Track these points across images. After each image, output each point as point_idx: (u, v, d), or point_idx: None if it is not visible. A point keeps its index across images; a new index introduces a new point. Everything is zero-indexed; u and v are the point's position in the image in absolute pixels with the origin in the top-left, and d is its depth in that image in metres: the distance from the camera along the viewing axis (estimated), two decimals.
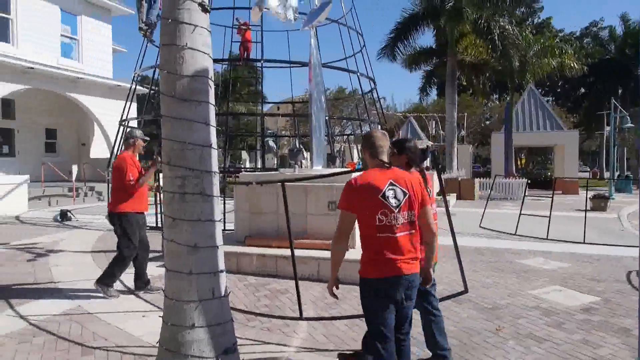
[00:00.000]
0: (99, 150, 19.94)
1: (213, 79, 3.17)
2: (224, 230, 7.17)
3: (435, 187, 7.78)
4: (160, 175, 6.59)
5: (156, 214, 8.87)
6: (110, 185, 6.32)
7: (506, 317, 4.52)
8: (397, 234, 2.60)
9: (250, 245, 6.43)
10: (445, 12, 20.41)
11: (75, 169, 16.09)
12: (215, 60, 9.06)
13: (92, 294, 5.11)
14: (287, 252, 5.89)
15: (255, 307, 4.81)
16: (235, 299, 5.02)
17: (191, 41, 2.97)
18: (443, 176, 20.01)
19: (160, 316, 3.14)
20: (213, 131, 3.09)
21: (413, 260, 2.66)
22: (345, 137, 26.50)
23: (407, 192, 2.66)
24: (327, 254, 2.82)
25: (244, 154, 38.76)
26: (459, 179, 19.49)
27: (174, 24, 2.96)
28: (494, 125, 39.24)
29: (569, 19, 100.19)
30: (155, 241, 6.33)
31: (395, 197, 2.63)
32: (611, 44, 36.80)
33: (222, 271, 3.08)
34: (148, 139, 5.69)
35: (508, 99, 25.65)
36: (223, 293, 3.06)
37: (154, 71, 11.69)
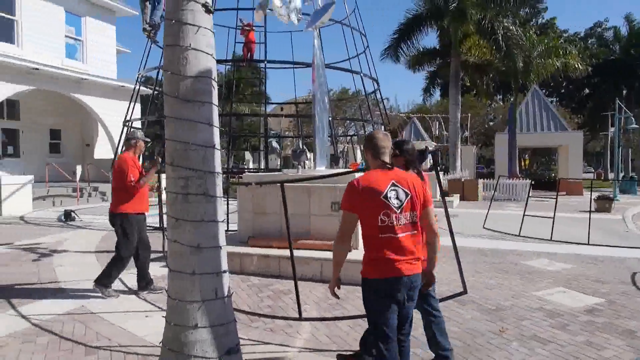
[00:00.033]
0: (102, 150, 20.00)
1: (216, 79, 3.17)
2: (227, 230, 7.18)
3: (435, 188, 7.76)
4: (162, 175, 6.62)
5: (160, 214, 8.88)
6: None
7: (510, 318, 4.51)
8: (399, 235, 2.60)
9: (254, 246, 6.43)
10: (449, 13, 20.39)
11: (79, 169, 16.15)
12: (218, 61, 9.08)
13: (95, 294, 5.12)
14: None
15: (258, 308, 4.81)
16: (238, 299, 5.02)
17: (195, 42, 2.98)
18: (447, 177, 20.02)
19: (163, 316, 3.15)
20: (216, 132, 3.09)
21: (415, 261, 2.66)
22: (348, 137, 26.49)
23: (409, 192, 2.67)
24: (330, 254, 2.82)
25: (247, 155, 38.81)
26: (463, 180, 19.44)
27: (178, 25, 2.97)
28: (498, 126, 39.15)
29: (573, 19, 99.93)
30: (157, 242, 6.34)
31: (397, 198, 2.63)
32: (616, 44, 36.69)
33: (225, 272, 3.08)
34: (149, 140, 5.71)
35: (512, 99, 25.57)
36: (226, 293, 3.06)
37: (158, 72, 11.72)
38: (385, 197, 2.61)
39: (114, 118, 18.24)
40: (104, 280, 5.09)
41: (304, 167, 7.90)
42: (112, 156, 14.11)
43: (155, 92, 12.22)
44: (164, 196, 4.35)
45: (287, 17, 7.47)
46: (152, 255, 5.54)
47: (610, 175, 31.38)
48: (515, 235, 9.40)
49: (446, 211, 4.42)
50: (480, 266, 6.78)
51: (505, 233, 9.74)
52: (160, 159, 5.50)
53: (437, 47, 25.85)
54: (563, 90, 43.30)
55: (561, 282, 5.84)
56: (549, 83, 38.03)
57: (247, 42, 13.14)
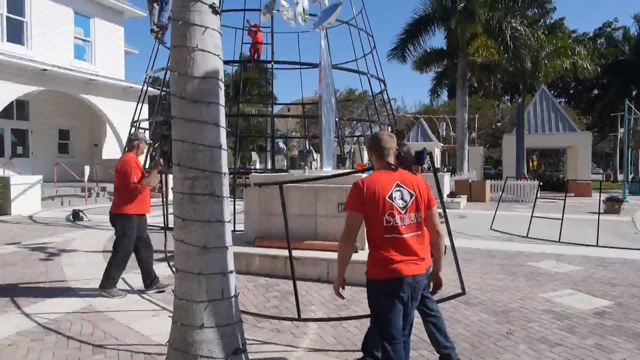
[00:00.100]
0: (111, 151, 20.13)
1: (223, 80, 3.18)
2: (233, 231, 7.19)
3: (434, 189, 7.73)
4: (164, 176, 6.66)
5: (165, 215, 8.92)
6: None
7: (517, 320, 4.48)
8: (405, 235, 2.61)
9: (261, 246, 6.44)
10: (457, 13, 20.30)
11: (87, 169, 16.27)
12: (225, 62, 9.11)
13: (103, 293, 5.15)
14: (298, 253, 5.92)
15: (264, 308, 4.81)
16: (245, 299, 5.03)
17: (202, 43, 2.99)
18: (454, 178, 19.93)
19: (170, 316, 3.16)
20: (223, 132, 3.10)
21: (420, 262, 2.66)
22: (355, 138, 26.47)
23: (413, 193, 2.68)
24: (336, 255, 2.83)
25: (254, 155, 38.92)
26: (470, 181, 19.35)
27: (185, 25, 2.98)
28: (506, 126, 38.93)
29: (582, 19, 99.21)
30: (159, 242, 6.36)
31: (402, 199, 2.64)
32: (625, 44, 36.35)
33: (231, 272, 3.09)
34: (151, 141, 5.77)
35: (520, 100, 25.43)
36: (232, 294, 3.06)
37: (165, 73, 11.78)
38: (390, 197, 2.61)
39: (122, 119, 18.37)
40: (106, 284, 5.13)
41: (311, 168, 7.89)
42: (120, 157, 14.20)
43: (163, 93, 12.28)
44: (170, 196, 4.37)
45: (294, 19, 7.48)
46: (156, 256, 5.56)
47: (620, 177, 31.08)
48: (523, 236, 9.34)
49: (444, 211, 4.41)
50: (488, 268, 6.75)
51: (513, 234, 9.68)
52: (162, 160, 5.54)
53: (444, 48, 25.76)
54: (572, 91, 43.03)
55: (569, 284, 5.79)
56: (557, 84, 37.79)
57: (254, 43, 13.17)
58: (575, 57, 22.27)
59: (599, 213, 9.47)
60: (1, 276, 6.03)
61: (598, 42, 38.94)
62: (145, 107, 16.29)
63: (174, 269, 4.76)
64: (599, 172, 48.27)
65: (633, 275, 6.29)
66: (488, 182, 19.55)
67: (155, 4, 9.59)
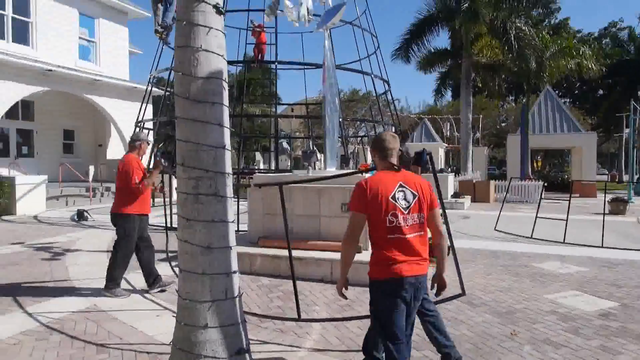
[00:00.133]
0: (115, 151, 20.20)
1: (227, 80, 3.18)
2: (237, 231, 7.21)
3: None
4: (165, 176, 6.67)
5: (171, 214, 8.94)
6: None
7: (522, 321, 4.46)
8: (408, 236, 2.61)
9: (264, 247, 6.44)
10: (461, 13, 20.26)
11: (92, 169, 16.33)
12: (229, 62, 9.11)
13: (107, 293, 5.17)
14: (301, 253, 5.93)
15: (268, 309, 4.81)
16: (248, 299, 5.03)
17: (206, 43, 2.99)
18: (458, 178, 19.89)
19: (173, 316, 3.16)
20: (227, 132, 3.10)
21: (422, 262, 2.67)
22: (359, 138, 26.46)
23: (416, 194, 2.68)
24: (340, 255, 2.83)
25: (258, 156, 38.96)
26: (474, 181, 19.30)
27: (189, 26, 2.98)
28: (510, 127, 38.84)
29: (587, 19, 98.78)
30: (161, 242, 6.37)
31: (405, 199, 2.65)
32: (630, 44, 36.15)
33: (235, 272, 3.09)
34: (153, 141, 5.80)
35: (524, 100, 25.34)
36: (236, 294, 3.07)
37: (170, 73, 11.80)
38: (394, 198, 2.62)
39: (126, 119, 18.42)
40: (110, 284, 5.15)
41: (314, 168, 7.90)
42: (122, 157, 14.26)
43: (167, 93, 12.31)
44: (174, 196, 4.38)
45: (298, 19, 7.49)
46: (158, 256, 5.58)
47: (625, 177, 30.91)
48: (528, 237, 9.31)
49: (444, 212, 4.40)
50: (492, 268, 6.72)
51: (517, 235, 9.64)
52: (162, 160, 5.56)
53: (448, 48, 25.74)
54: (577, 91, 42.81)
55: (574, 285, 5.76)
56: (562, 84, 37.62)
57: (258, 43, 13.18)
58: (580, 57, 22.19)
59: (604, 214, 9.43)
60: (6, 275, 6.06)
61: (603, 42, 38.71)
62: (150, 107, 16.36)
63: (175, 269, 4.78)
64: (604, 173, 48.10)
65: (638, 277, 6.25)
66: (492, 183, 19.48)
67: (159, 5, 9.63)
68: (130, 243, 5.23)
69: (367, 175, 4.19)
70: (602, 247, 8.29)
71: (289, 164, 28.75)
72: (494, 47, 22.77)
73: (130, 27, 21.54)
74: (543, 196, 11.03)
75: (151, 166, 5.96)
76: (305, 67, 15.50)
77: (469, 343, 3.90)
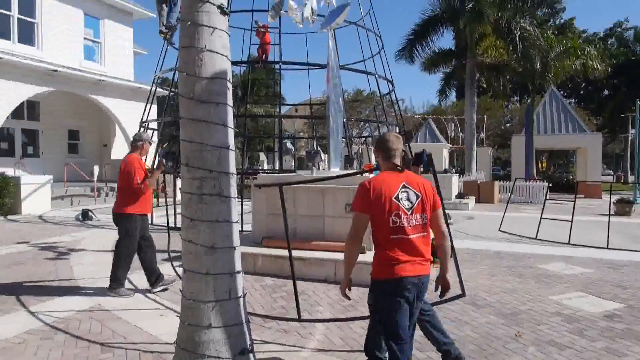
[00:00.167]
0: (120, 151, 20.26)
1: (231, 81, 3.18)
2: (241, 231, 7.20)
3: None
4: (166, 176, 6.70)
5: (175, 214, 8.95)
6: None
7: (526, 322, 4.44)
8: (411, 236, 2.62)
9: (268, 247, 6.44)
10: (465, 14, 20.20)
11: (97, 169, 16.39)
12: (233, 62, 9.13)
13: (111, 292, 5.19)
14: (305, 253, 5.94)
15: (271, 309, 4.82)
16: (252, 299, 5.04)
17: (210, 43, 2.99)
18: (462, 179, 19.83)
19: (177, 316, 3.17)
20: (231, 133, 3.11)
21: (425, 262, 2.68)
22: (363, 139, 26.44)
23: (419, 194, 2.69)
24: (343, 256, 2.83)
25: (262, 156, 38.99)
26: (479, 182, 19.24)
27: (193, 26, 2.99)
28: (515, 127, 38.66)
29: (592, 19, 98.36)
30: (163, 242, 6.38)
31: (408, 200, 2.65)
32: (636, 44, 35.98)
33: (239, 272, 3.09)
34: (155, 141, 5.82)
35: (529, 101, 25.25)
36: (240, 294, 3.07)
37: (174, 73, 11.83)
38: (397, 198, 2.62)
39: (131, 119, 18.49)
40: (113, 285, 5.17)
41: (318, 169, 7.90)
42: (124, 157, 14.33)
43: (172, 94, 12.34)
44: (177, 197, 4.39)
45: (302, 20, 7.49)
46: (160, 256, 5.60)
47: (631, 178, 30.77)
48: (532, 238, 9.27)
49: (444, 213, 4.38)
50: (496, 269, 6.70)
51: (522, 236, 9.60)
52: (164, 160, 5.58)
53: (453, 48, 25.67)
54: (582, 92, 42.62)
55: (579, 287, 5.73)
56: (567, 84, 37.47)
57: (262, 43, 13.18)
58: (585, 58, 22.08)
59: (609, 215, 9.38)
60: (11, 275, 6.09)
61: (608, 42, 38.56)
62: (154, 107, 16.39)
63: (178, 269, 4.78)
64: (609, 174, 47.82)
65: None
66: (497, 183, 19.42)
67: (164, 5, 9.65)
68: (132, 243, 5.25)
69: (371, 175, 4.19)
70: (607, 248, 8.25)
71: (293, 164, 28.76)
72: (498, 47, 22.70)
73: (135, 27, 21.63)
74: (548, 197, 10.96)
75: (154, 166, 5.98)
76: (309, 67, 15.49)
77: (473, 344, 3.89)
